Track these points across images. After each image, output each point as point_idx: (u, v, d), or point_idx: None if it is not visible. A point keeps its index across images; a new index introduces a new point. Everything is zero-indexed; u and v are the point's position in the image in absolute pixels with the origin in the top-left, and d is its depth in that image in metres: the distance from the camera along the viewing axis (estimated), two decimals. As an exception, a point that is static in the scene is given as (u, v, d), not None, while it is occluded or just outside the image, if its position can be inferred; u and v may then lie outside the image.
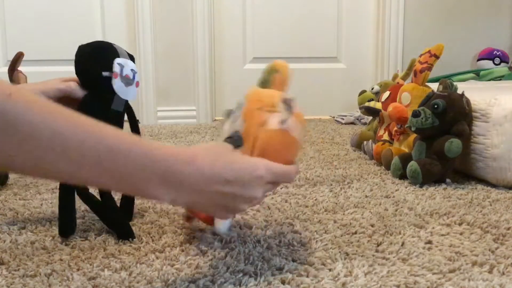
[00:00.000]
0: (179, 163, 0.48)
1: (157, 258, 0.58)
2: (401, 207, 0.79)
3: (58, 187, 0.67)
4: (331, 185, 0.96)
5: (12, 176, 1.04)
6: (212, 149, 0.52)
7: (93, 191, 0.69)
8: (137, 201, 0.84)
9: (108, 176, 0.45)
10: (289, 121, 0.59)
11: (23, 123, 0.40)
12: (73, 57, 0.66)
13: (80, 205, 0.81)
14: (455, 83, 1.01)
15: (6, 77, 1.22)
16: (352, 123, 2.09)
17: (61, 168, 0.43)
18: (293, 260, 0.57)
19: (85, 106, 0.66)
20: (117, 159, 0.45)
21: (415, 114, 0.96)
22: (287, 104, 0.59)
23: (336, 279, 0.52)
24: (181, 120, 2.17)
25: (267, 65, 0.68)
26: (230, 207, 0.51)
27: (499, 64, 2.27)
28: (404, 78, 1.29)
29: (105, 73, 0.65)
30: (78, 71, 0.67)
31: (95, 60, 0.66)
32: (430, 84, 1.12)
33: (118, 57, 0.67)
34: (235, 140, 0.56)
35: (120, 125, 0.71)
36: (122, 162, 0.45)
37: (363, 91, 1.94)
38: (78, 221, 0.73)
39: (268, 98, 0.61)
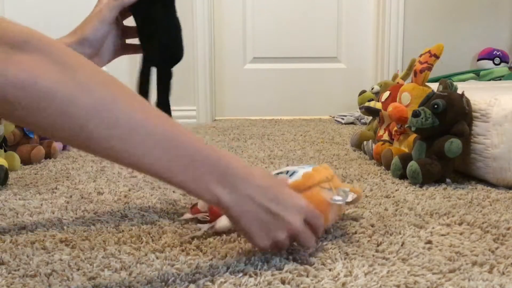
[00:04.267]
0: (240, 169, 0.52)
1: (157, 258, 0.58)
2: (401, 207, 0.79)
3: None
4: (331, 185, 0.96)
5: (12, 176, 1.04)
6: (268, 174, 0.58)
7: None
8: (138, 201, 0.84)
9: (173, 167, 0.48)
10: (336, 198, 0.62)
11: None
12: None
13: (80, 205, 0.82)
14: (455, 83, 1.01)
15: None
16: (352, 123, 2.09)
17: (130, 152, 0.46)
18: (293, 260, 0.57)
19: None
20: (186, 152, 0.49)
21: (415, 114, 0.96)
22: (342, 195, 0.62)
23: (336, 279, 0.52)
24: (181, 120, 2.17)
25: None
26: (270, 228, 0.53)
27: (499, 64, 2.27)
28: (404, 78, 1.29)
29: None
30: None
31: None
32: (430, 84, 1.12)
33: None
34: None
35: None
36: (190, 154, 0.49)
37: (363, 91, 1.94)
38: (78, 221, 0.73)
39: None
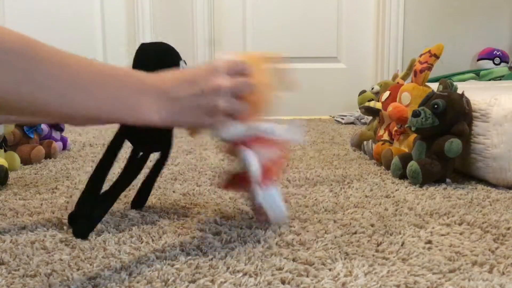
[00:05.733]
0: (152, 79, 0.55)
1: (157, 258, 0.58)
2: (401, 207, 0.79)
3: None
4: (331, 185, 0.96)
5: (12, 176, 1.04)
6: (173, 71, 0.60)
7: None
8: (137, 201, 0.84)
9: (102, 100, 0.50)
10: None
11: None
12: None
13: (80, 205, 0.82)
14: (455, 83, 1.01)
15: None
16: (352, 123, 2.09)
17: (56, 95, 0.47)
18: (293, 260, 0.57)
19: None
20: (110, 81, 0.51)
21: (415, 114, 0.96)
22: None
23: (336, 279, 0.52)
24: (181, 120, 2.17)
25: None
26: (207, 106, 0.56)
27: (499, 64, 2.27)
28: (404, 78, 1.29)
29: None
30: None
31: (163, 62, 0.67)
32: (430, 84, 1.12)
33: (181, 59, 0.69)
34: None
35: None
36: (114, 83, 0.51)
37: (363, 91, 1.95)
38: (78, 221, 0.73)
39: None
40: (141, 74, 0.55)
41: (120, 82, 0.52)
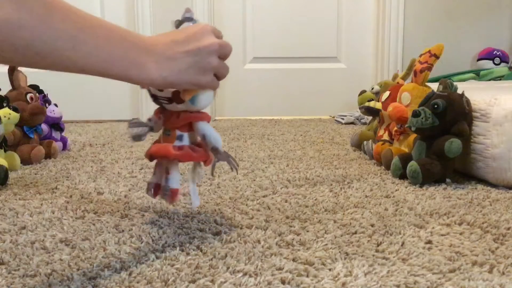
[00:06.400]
0: (150, 40, 0.58)
1: (157, 258, 0.58)
2: (401, 207, 0.79)
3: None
4: (331, 185, 0.96)
5: (12, 176, 1.04)
6: (167, 32, 0.63)
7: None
8: (138, 201, 0.84)
9: (109, 63, 0.52)
10: None
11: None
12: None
13: (80, 205, 0.82)
14: (455, 83, 1.01)
15: (6, 77, 1.22)
16: (352, 123, 2.09)
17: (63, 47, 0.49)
18: (293, 260, 0.57)
19: None
20: (121, 39, 0.54)
21: (415, 114, 0.96)
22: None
23: (336, 279, 0.52)
24: (181, 120, 2.16)
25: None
26: (202, 64, 0.60)
27: (499, 64, 2.27)
28: (404, 78, 1.29)
29: None
30: None
31: None
32: (430, 84, 1.12)
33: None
34: None
35: None
36: (124, 41, 0.54)
37: (363, 91, 1.95)
38: (78, 221, 0.73)
39: None
40: (142, 36, 0.58)
41: (129, 41, 0.55)
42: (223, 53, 0.62)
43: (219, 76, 0.64)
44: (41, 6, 0.47)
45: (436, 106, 0.94)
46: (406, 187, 0.93)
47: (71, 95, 2.23)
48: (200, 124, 0.68)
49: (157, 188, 0.70)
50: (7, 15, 0.44)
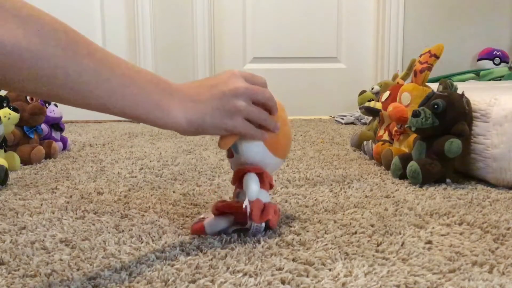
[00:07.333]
0: (175, 84, 0.59)
1: (157, 258, 0.58)
2: (401, 207, 0.79)
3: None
4: (331, 185, 0.96)
5: (12, 176, 1.04)
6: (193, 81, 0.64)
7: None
8: (138, 201, 0.84)
9: (136, 101, 0.53)
10: None
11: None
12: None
13: (80, 205, 0.82)
14: (455, 83, 1.01)
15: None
16: (352, 123, 2.09)
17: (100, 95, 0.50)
18: (293, 260, 0.57)
19: None
20: (145, 83, 0.54)
21: (415, 114, 0.96)
22: None
23: (336, 279, 0.52)
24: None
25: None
26: (227, 106, 0.59)
27: (499, 64, 2.27)
28: (404, 78, 1.29)
29: None
30: None
31: None
32: (430, 84, 1.12)
33: None
34: None
35: None
36: (148, 85, 0.55)
37: (363, 91, 1.94)
38: (78, 221, 0.73)
39: None
40: (168, 80, 0.58)
41: (154, 83, 0.56)
42: (253, 97, 0.61)
43: (254, 120, 0.62)
44: (66, 40, 0.47)
45: (436, 106, 0.94)
46: (406, 187, 0.93)
47: (71, 95, 2.22)
48: (246, 176, 0.64)
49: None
50: (32, 46, 0.44)
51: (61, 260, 0.58)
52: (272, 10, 2.37)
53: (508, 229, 0.68)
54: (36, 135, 1.26)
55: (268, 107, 0.64)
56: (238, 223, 0.65)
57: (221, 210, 0.65)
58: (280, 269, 0.55)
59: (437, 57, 1.05)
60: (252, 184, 0.63)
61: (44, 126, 1.30)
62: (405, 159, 1.00)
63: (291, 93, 2.39)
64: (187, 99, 0.58)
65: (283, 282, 0.51)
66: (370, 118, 1.47)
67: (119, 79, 0.52)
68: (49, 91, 0.48)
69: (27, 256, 0.59)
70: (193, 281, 0.52)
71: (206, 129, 0.60)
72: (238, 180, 0.66)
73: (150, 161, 1.20)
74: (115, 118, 2.29)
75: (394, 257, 0.58)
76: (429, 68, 1.07)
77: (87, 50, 0.49)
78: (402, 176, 1.00)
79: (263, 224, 0.65)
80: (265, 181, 0.66)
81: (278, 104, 0.67)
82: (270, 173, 0.67)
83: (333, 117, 2.27)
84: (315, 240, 0.64)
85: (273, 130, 0.65)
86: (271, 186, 0.68)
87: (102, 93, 0.50)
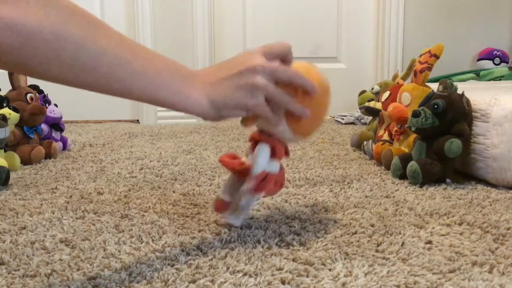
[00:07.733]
0: (192, 69, 0.58)
1: (157, 258, 0.58)
2: (401, 207, 0.79)
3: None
4: (331, 185, 0.96)
5: (12, 176, 1.04)
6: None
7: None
8: (138, 201, 0.84)
9: (157, 85, 0.53)
10: None
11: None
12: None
13: (80, 205, 0.82)
14: (455, 83, 1.01)
15: (6, 77, 1.22)
16: (352, 123, 2.09)
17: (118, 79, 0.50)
18: (293, 260, 0.57)
19: None
20: (165, 68, 0.54)
21: (415, 114, 0.96)
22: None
23: (336, 279, 0.52)
24: (181, 120, 2.17)
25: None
26: (246, 84, 0.57)
27: (499, 64, 2.27)
28: (404, 78, 1.29)
29: None
30: None
31: None
32: (430, 84, 1.12)
33: None
34: None
35: None
36: (168, 70, 0.55)
37: (363, 91, 1.94)
38: (78, 221, 0.73)
39: None
40: (184, 66, 0.58)
41: (173, 66, 0.56)
42: (273, 75, 0.58)
43: (276, 101, 0.59)
44: (85, 22, 0.48)
45: (436, 106, 0.94)
46: (406, 187, 0.93)
47: (71, 95, 2.22)
48: (258, 146, 0.65)
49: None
50: (55, 26, 0.44)
51: (61, 260, 0.58)
52: (272, 10, 2.37)
53: (508, 229, 0.68)
54: (36, 135, 1.26)
55: (296, 86, 0.60)
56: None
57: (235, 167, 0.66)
58: (280, 269, 0.55)
59: (437, 57, 1.05)
60: (260, 158, 0.63)
61: (44, 126, 1.30)
62: (405, 159, 1.00)
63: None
64: (207, 82, 0.57)
65: (283, 282, 0.51)
66: (370, 118, 1.47)
67: (140, 61, 0.51)
68: (73, 75, 0.47)
69: (27, 256, 0.59)
70: (193, 281, 0.52)
71: (228, 110, 0.58)
72: (252, 145, 0.67)
73: (150, 161, 1.20)
74: (115, 118, 2.29)
75: (394, 257, 0.58)
76: (429, 68, 1.07)
77: (106, 33, 0.49)
78: (402, 176, 1.00)
79: (255, 197, 0.66)
80: (277, 152, 0.65)
81: (320, 86, 0.63)
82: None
83: (333, 117, 2.27)
84: (315, 240, 0.64)
85: (300, 115, 0.61)
86: (287, 154, 0.68)
87: (124, 76, 0.50)
